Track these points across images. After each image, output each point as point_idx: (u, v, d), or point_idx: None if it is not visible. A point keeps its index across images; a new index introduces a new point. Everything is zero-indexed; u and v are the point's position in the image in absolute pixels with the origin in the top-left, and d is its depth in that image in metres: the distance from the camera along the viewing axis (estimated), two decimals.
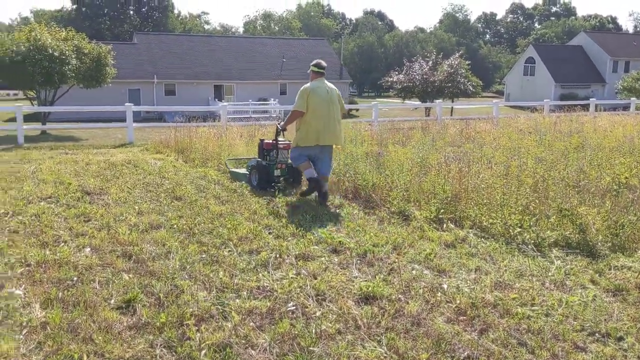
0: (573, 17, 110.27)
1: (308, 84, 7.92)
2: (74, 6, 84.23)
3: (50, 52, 23.21)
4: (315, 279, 4.78)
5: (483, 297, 4.36)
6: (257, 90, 46.38)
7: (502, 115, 21.76)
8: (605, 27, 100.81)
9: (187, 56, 47.49)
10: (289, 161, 8.46)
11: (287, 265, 5.12)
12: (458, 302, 4.28)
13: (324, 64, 8.02)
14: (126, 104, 17.21)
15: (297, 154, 8.01)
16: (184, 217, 6.89)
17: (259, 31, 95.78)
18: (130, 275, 4.77)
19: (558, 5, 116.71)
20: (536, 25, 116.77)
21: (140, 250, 5.46)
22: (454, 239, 6.05)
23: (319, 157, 7.96)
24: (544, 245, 5.75)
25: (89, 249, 5.58)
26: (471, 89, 35.54)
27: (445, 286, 4.60)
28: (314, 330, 3.83)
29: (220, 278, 4.73)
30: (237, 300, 4.28)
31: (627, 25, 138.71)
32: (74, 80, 25.87)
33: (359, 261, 5.32)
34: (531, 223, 6.05)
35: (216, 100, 43.37)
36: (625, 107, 25.98)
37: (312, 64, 8.02)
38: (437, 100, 26.20)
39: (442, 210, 6.94)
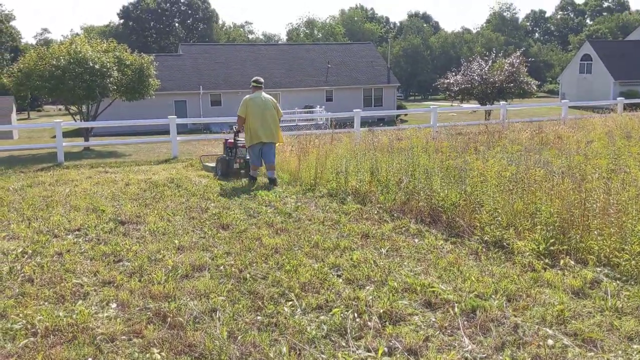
0: (627, 12, 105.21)
1: (248, 95, 10.00)
2: (121, 21, 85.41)
3: (91, 64, 22.45)
4: (416, 358, 3.43)
5: None
6: (302, 97, 45.16)
7: (570, 116, 19.91)
8: None
9: (232, 66, 46.75)
10: (247, 157, 10.40)
11: (371, 332, 3.78)
12: None
13: (261, 80, 10.04)
14: (169, 116, 16.14)
15: (252, 156, 10.03)
16: (232, 253, 5.69)
17: (302, 38, 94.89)
18: (163, 354, 3.53)
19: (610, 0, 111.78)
20: (588, 21, 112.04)
21: (177, 309, 4.23)
22: (582, 284, 4.60)
23: (263, 150, 9.87)
24: None
25: (114, 305, 4.40)
26: (534, 88, 33.31)
27: None
28: None
29: (284, 359, 3.43)
30: None
31: None
32: (116, 94, 25.07)
33: (466, 323, 3.95)
34: None
35: None
36: None
37: (252, 80, 10.08)
38: (502, 102, 24.35)
39: (551, 241, 5.52)
